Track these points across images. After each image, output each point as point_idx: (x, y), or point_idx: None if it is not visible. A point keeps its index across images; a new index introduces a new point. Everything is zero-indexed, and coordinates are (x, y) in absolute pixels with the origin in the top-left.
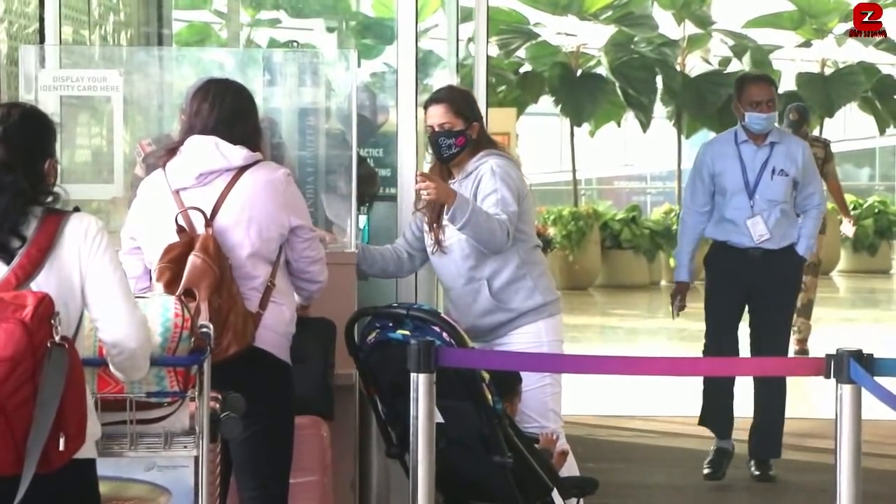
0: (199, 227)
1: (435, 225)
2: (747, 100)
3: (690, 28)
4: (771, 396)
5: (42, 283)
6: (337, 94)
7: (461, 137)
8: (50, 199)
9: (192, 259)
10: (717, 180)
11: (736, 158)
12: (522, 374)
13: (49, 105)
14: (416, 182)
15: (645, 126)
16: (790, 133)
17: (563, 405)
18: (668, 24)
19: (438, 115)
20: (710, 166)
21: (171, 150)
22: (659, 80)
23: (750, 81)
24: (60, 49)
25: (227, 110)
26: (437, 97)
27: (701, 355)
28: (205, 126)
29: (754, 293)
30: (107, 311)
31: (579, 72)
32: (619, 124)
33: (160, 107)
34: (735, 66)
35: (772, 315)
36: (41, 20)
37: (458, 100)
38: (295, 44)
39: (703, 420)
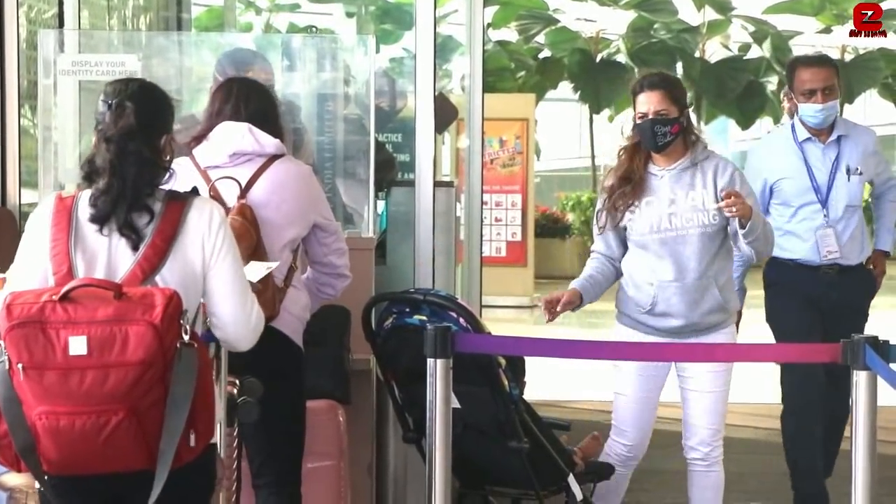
0: (230, 201)
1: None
2: (799, 87)
3: (710, 14)
4: (837, 426)
5: (167, 275)
6: (355, 79)
7: (676, 125)
8: (166, 176)
9: (230, 221)
10: (777, 188)
11: (799, 160)
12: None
13: (68, 89)
14: (720, 200)
15: None
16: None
17: (580, 391)
18: (687, 10)
19: (654, 102)
20: (767, 173)
21: (198, 138)
22: (678, 66)
23: (801, 64)
24: (79, 33)
25: (251, 114)
26: (652, 83)
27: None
28: (229, 119)
29: (830, 319)
30: (222, 312)
31: (598, 58)
32: None
33: (178, 91)
34: (755, 53)
35: None
36: (60, 5)
37: (673, 86)
38: (314, 29)
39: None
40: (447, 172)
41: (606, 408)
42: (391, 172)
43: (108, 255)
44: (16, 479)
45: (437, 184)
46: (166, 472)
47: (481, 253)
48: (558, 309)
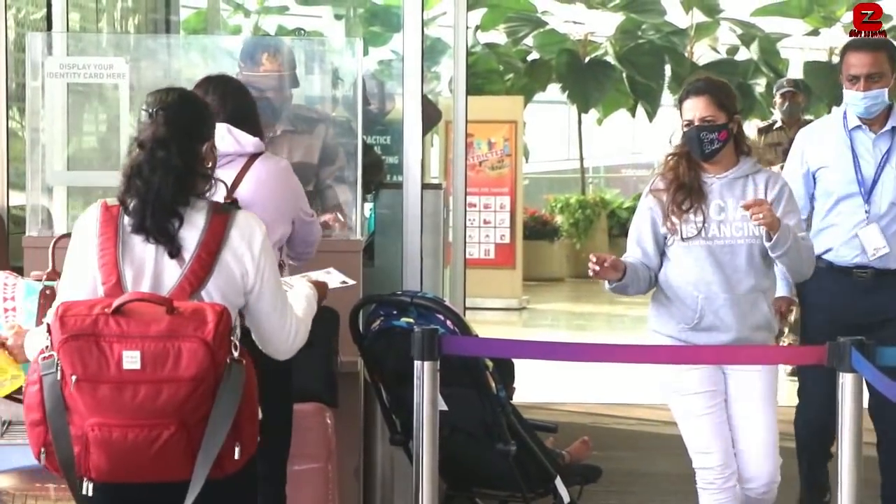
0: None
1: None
2: (845, 72)
3: (698, 16)
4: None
5: (211, 290)
6: (343, 81)
7: (724, 132)
8: (208, 186)
9: None
10: (819, 177)
11: (846, 148)
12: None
13: (56, 92)
14: (746, 206)
15: (651, 115)
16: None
17: (566, 393)
18: (676, 12)
19: (700, 108)
20: (810, 159)
21: None
22: (668, 67)
23: (849, 48)
24: (67, 36)
25: (229, 114)
26: (698, 89)
27: None
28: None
29: (866, 328)
30: (265, 329)
31: (587, 59)
32: (633, 114)
33: None
34: (743, 55)
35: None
36: (48, 7)
37: (719, 91)
38: (302, 31)
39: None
40: (435, 175)
41: (593, 410)
42: (379, 174)
43: (154, 266)
44: (5, 482)
45: (424, 186)
46: (201, 483)
47: (465, 255)
48: (606, 264)
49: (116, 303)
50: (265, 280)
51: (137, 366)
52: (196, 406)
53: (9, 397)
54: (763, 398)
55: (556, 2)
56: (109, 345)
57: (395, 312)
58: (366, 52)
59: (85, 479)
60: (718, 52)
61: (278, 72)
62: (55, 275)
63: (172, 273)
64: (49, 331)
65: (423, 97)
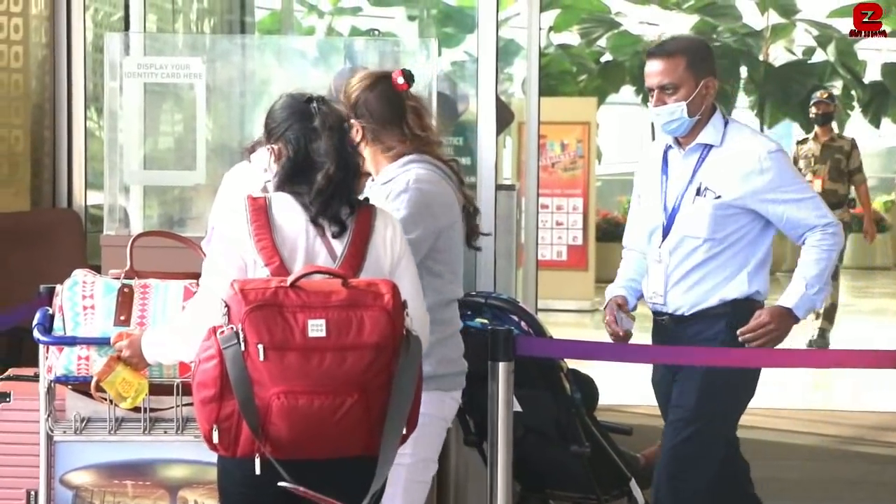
0: None
1: None
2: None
3: (774, 18)
4: None
5: (366, 276)
6: (417, 82)
7: None
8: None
9: None
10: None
11: (658, 171)
12: None
13: (133, 92)
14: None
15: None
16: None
17: (641, 396)
18: (751, 14)
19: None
20: (638, 186)
21: (258, 142)
22: (742, 70)
23: (647, 55)
24: (145, 36)
25: None
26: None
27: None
28: None
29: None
30: (409, 311)
31: None
32: None
33: (242, 94)
34: (819, 57)
35: None
36: (126, 8)
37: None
38: (376, 32)
39: None
40: (508, 176)
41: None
42: None
43: (306, 254)
44: (82, 478)
45: (498, 187)
46: (391, 459)
47: (537, 256)
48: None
49: (294, 276)
50: (405, 264)
51: (323, 333)
52: (375, 375)
53: (84, 393)
54: None
55: (629, 3)
56: (293, 314)
57: (469, 313)
58: (439, 53)
59: (257, 456)
60: (794, 54)
61: None
62: (133, 273)
63: (324, 260)
64: (227, 306)
65: (497, 98)
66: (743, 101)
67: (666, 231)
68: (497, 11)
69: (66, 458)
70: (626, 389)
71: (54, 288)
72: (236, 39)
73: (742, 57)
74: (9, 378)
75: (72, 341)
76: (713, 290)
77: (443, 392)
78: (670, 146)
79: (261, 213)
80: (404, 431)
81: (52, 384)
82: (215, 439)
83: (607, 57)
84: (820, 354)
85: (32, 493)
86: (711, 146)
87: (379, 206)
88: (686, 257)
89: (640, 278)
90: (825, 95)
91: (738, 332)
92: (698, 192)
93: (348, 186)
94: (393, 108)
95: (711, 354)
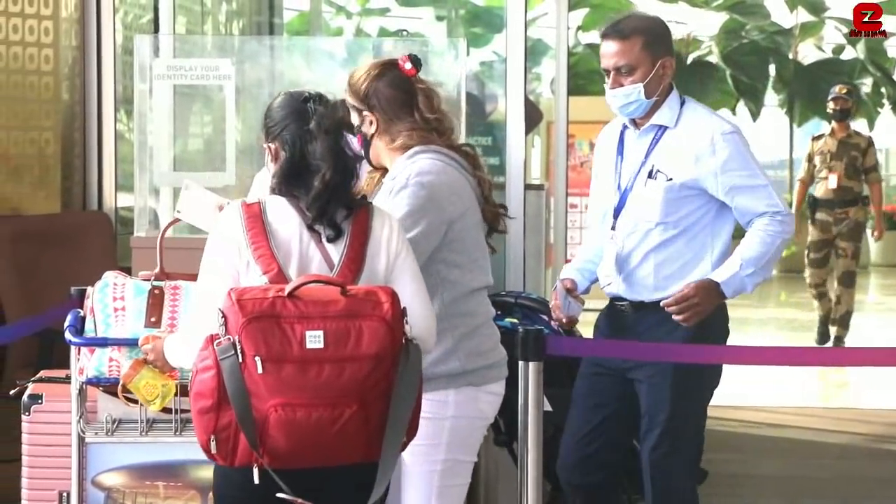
0: None
1: None
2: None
3: (804, 15)
4: None
5: (363, 280)
6: (445, 83)
7: None
8: (354, 181)
9: None
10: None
11: (614, 151)
12: None
13: (163, 94)
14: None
15: (755, 114)
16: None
17: None
18: (780, 12)
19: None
20: (596, 166)
21: None
22: (771, 67)
23: (601, 36)
24: (174, 39)
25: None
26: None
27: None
28: None
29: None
30: (412, 312)
31: (690, 59)
32: (734, 112)
33: (271, 95)
34: (849, 54)
35: None
36: (156, 10)
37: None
38: (404, 32)
39: None
40: (537, 176)
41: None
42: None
43: (300, 260)
44: (114, 479)
45: (526, 187)
46: (394, 464)
47: (566, 255)
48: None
49: (291, 286)
50: (403, 259)
51: (321, 345)
52: (374, 385)
53: (115, 394)
54: None
55: (658, 1)
56: (291, 325)
57: (499, 313)
58: (468, 53)
59: (255, 465)
60: (824, 52)
61: None
62: (163, 275)
63: (319, 265)
64: (224, 316)
65: (525, 98)
66: (772, 99)
67: (617, 213)
68: (525, 11)
69: (98, 459)
70: None
71: (85, 290)
72: (265, 41)
73: (771, 55)
74: (40, 380)
75: (103, 343)
76: (675, 277)
77: (475, 388)
78: (626, 126)
79: (256, 219)
80: (405, 439)
81: (84, 386)
82: (213, 449)
83: None
84: (854, 353)
85: (64, 494)
86: (666, 127)
87: (376, 205)
88: (641, 241)
89: (599, 261)
90: (844, 90)
91: (661, 303)
92: (650, 175)
93: (345, 190)
94: (404, 94)
95: (762, 354)
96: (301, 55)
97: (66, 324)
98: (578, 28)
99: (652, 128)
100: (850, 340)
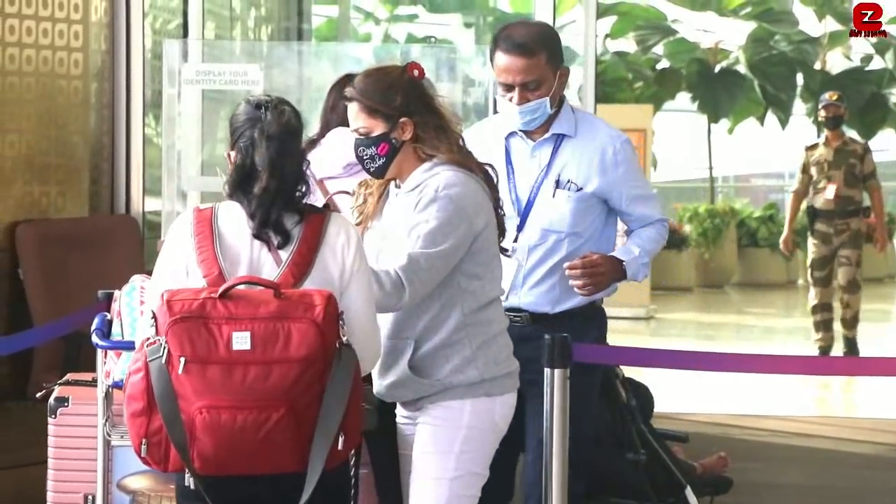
0: (346, 213)
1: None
2: (497, 76)
3: (832, 24)
4: None
5: (308, 286)
6: (474, 89)
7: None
8: (304, 188)
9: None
10: None
11: (501, 160)
12: None
13: (191, 98)
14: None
15: (784, 123)
16: None
17: (697, 404)
18: (808, 21)
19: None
20: None
21: (311, 143)
22: (799, 77)
23: (499, 47)
24: (203, 44)
25: None
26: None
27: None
28: (342, 121)
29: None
30: (358, 328)
31: (717, 68)
32: (762, 123)
33: (299, 100)
34: (877, 64)
35: None
36: (185, 15)
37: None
38: (432, 39)
39: None
40: None
41: (722, 420)
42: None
43: (249, 264)
44: (139, 482)
45: None
46: (318, 473)
47: None
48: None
49: (224, 287)
50: (357, 276)
51: (247, 346)
52: (304, 389)
53: None
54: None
55: (686, 10)
56: (218, 326)
57: None
58: None
59: (187, 472)
60: (852, 61)
61: None
62: None
63: (270, 270)
64: (154, 318)
65: None
66: (800, 108)
67: (521, 226)
68: (554, 18)
69: (124, 462)
70: (681, 397)
71: (112, 293)
72: (293, 46)
73: (799, 64)
74: (67, 383)
75: (130, 346)
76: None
77: (491, 398)
78: (511, 135)
79: (205, 224)
80: (341, 447)
81: (110, 389)
82: (144, 453)
83: (663, 64)
84: (879, 363)
85: (90, 497)
86: (565, 136)
87: (336, 214)
88: (549, 253)
89: None
90: (835, 97)
91: (564, 265)
92: (558, 185)
93: (287, 195)
94: (431, 100)
95: (781, 363)
96: (329, 61)
97: (93, 327)
98: (606, 36)
99: (552, 137)
100: (878, 351)
